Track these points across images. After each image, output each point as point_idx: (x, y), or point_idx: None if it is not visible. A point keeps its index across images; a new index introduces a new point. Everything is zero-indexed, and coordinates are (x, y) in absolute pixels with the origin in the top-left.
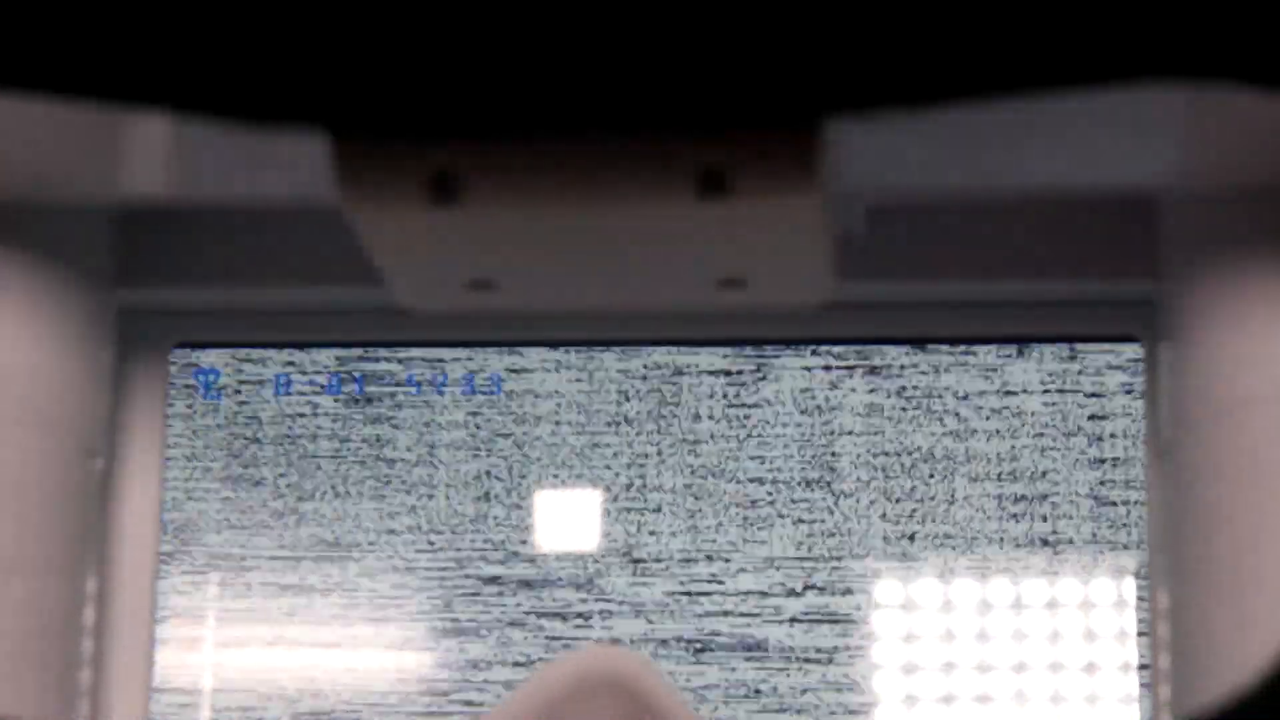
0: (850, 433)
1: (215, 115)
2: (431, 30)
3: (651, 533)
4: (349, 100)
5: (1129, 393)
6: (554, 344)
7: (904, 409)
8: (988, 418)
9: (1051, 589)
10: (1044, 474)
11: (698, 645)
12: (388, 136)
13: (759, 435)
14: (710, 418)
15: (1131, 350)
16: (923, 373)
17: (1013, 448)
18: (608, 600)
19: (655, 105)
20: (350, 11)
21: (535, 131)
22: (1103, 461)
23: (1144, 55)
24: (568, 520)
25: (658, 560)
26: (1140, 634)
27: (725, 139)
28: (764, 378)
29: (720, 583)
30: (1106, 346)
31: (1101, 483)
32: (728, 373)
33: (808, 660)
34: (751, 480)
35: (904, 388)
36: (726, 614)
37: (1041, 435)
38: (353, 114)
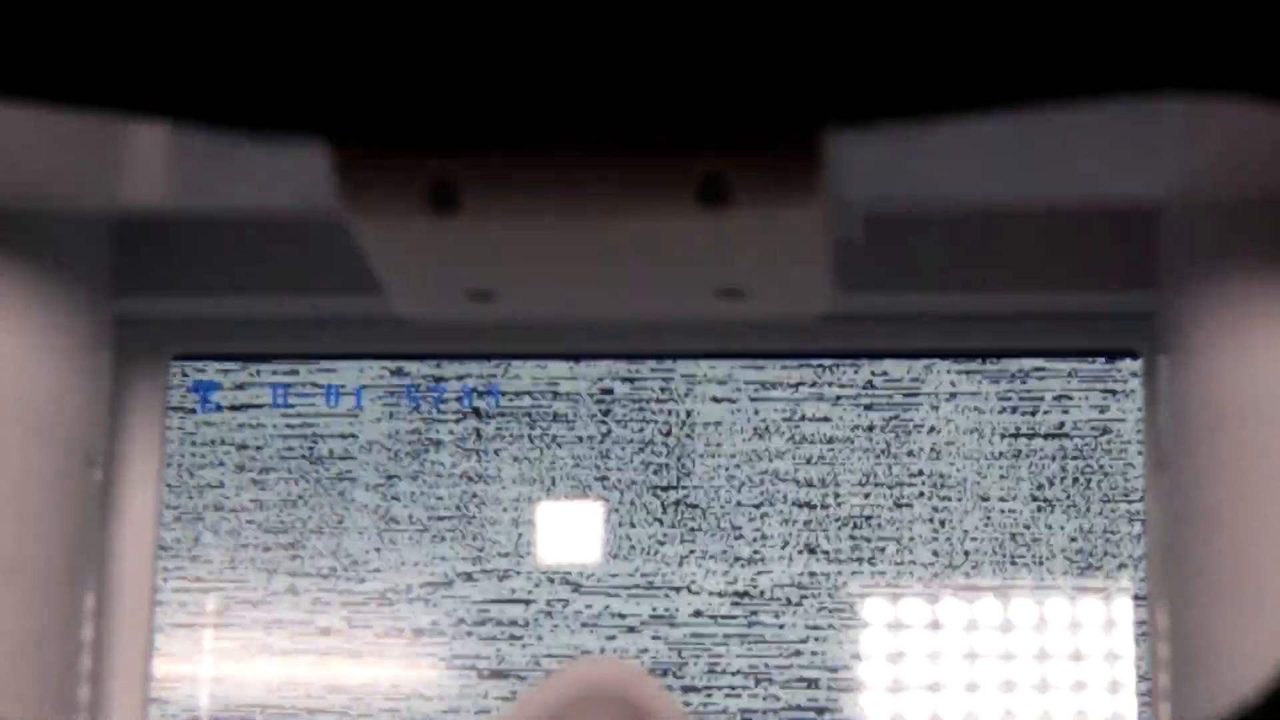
0: (842, 447)
1: (215, 125)
2: (431, 40)
3: (638, 546)
4: (349, 110)
5: (1127, 404)
6: (551, 357)
7: (895, 426)
8: (977, 432)
9: (1040, 608)
10: (1038, 487)
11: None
12: (388, 146)
13: (754, 450)
14: (709, 431)
15: (1131, 364)
16: (912, 387)
17: (1007, 463)
18: (607, 609)
19: (656, 114)
20: (350, 22)
21: (535, 140)
22: (1098, 474)
23: (1147, 69)
24: (569, 533)
25: (644, 573)
26: (1138, 648)
27: (726, 148)
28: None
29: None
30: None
31: (1098, 499)
32: (722, 382)
33: (795, 678)
34: (745, 496)
35: (894, 402)
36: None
37: (1036, 450)
38: (353, 123)
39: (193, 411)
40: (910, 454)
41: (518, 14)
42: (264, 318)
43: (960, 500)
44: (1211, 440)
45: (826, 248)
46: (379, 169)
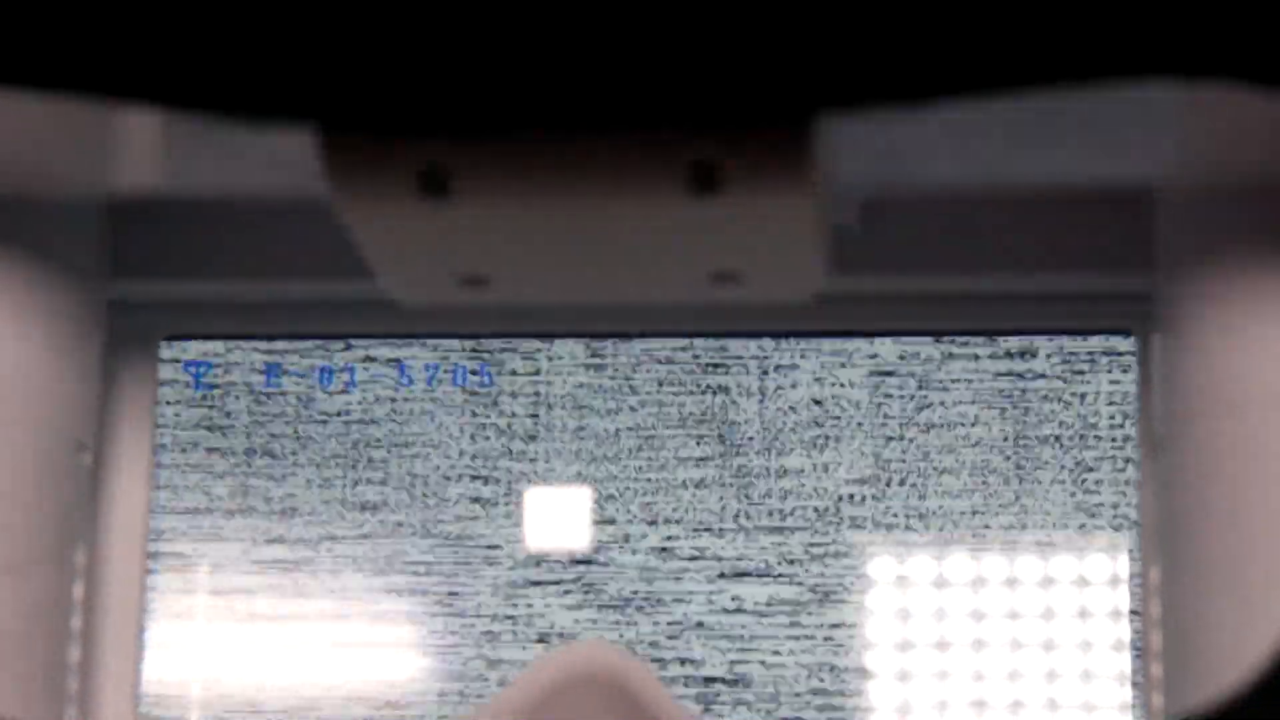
0: (849, 412)
1: (206, 111)
2: (422, 26)
3: (642, 519)
4: (340, 96)
5: (1122, 382)
6: (545, 335)
7: (901, 391)
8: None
9: (1045, 565)
10: (1036, 453)
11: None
12: (378, 132)
13: (758, 411)
14: (706, 396)
15: (1125, 343)
16: (919, 354)
17: (1015, 430)
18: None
19: (647, 100)
20: (340, 8)
21: (526, 126)
22: (1097, 445)
23: (1139, 54)
24: (559, 518)
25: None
26: (1134, 620)
27: (717, 134)
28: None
29: (716, 558)
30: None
31: (1095, 467)
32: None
33: (802, 637)
34: (746, 455)
35: (903, 370)
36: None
37: (1037, 417)
38: (343, 109)
39: (186, 388)
40: (915, 421)
41: (509, 1)
42: (257, 301)
43: (965, 461)
44: (1205, 422)
45: (820, 232)
46: (369, 155)
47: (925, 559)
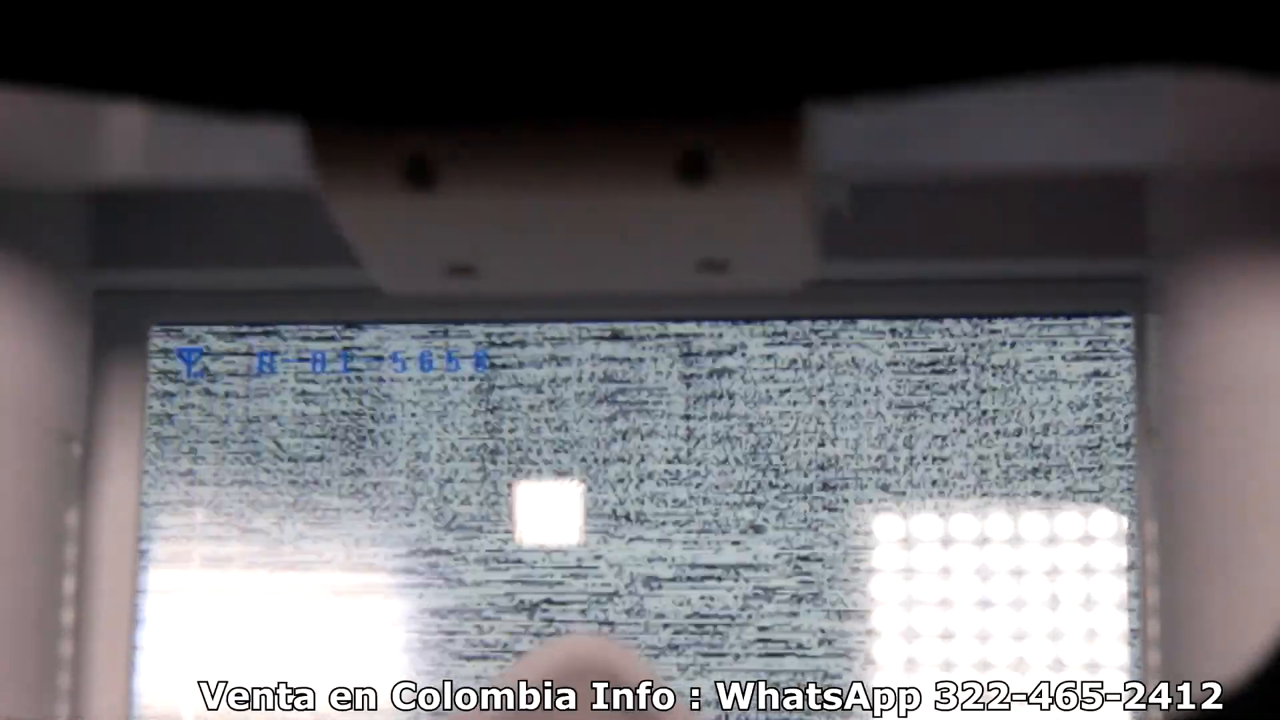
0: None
1: (188, 104)
2: (406, 15)
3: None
4: (323, 87)
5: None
6: (536, 320)
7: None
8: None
9: (1050, 523)
10: (1041, 419)
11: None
12: (363, 122)
13: (764, 371)
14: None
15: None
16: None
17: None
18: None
19: (637, 89)
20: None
21: (513, 115)
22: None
23: (1133, 41)
24: (550, 509)
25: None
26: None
27: (706, 123)
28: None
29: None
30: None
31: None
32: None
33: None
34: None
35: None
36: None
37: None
38: (327, 100)
39: (176, 378)
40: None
41: None
42: (242, 289)
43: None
44: (1199, 403)
45: (810, 220)
46: (354, 146)
47: (929, 516)
